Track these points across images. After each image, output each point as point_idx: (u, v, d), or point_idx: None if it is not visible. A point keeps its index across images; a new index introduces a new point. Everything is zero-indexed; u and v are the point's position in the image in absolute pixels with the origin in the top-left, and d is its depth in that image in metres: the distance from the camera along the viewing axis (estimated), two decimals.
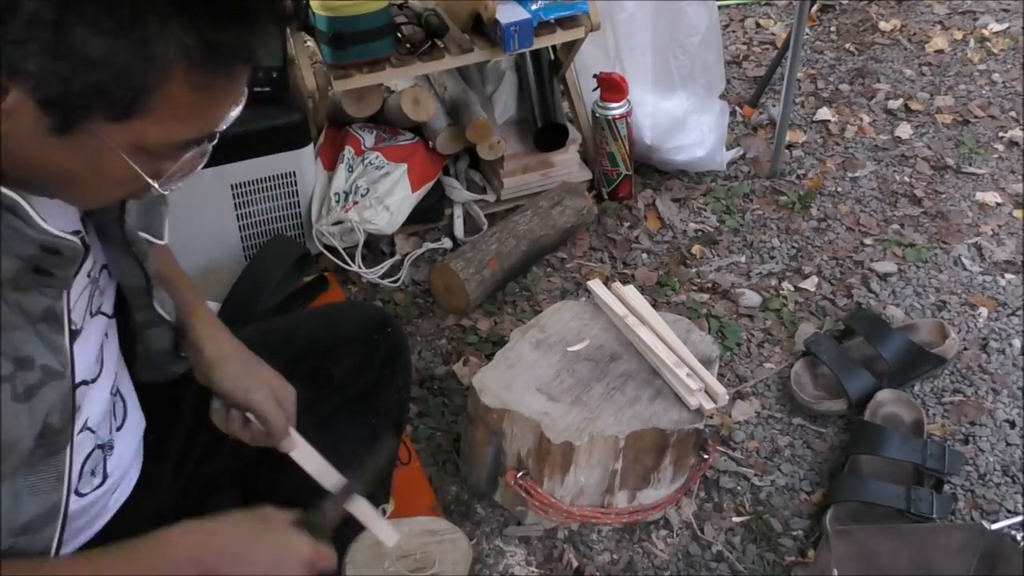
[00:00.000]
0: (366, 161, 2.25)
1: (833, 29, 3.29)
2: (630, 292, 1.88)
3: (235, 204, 2.14)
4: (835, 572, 1.47)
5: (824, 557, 1.55)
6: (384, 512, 1.55)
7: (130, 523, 1.14)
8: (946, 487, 1.82)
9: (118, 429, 1.16)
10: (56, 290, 0.96)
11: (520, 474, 1.70)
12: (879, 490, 1.75)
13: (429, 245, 2.36)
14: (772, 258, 2.38)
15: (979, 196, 2.56)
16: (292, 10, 0.89)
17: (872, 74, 3.05)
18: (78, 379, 1.02)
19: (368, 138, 2.31)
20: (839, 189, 2.59)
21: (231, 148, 1.90)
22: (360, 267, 2.24)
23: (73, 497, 1.05)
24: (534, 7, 2.15)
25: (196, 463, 1.31)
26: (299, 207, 2.22)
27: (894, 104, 2.91)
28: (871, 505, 1.73)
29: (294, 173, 2.16)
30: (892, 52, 3.16)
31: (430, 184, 2.33)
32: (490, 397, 1.69)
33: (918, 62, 3.11)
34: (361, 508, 1.17)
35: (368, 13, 2.02)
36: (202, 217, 2.09)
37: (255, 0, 0.84)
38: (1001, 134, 2.79)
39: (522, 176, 2.42)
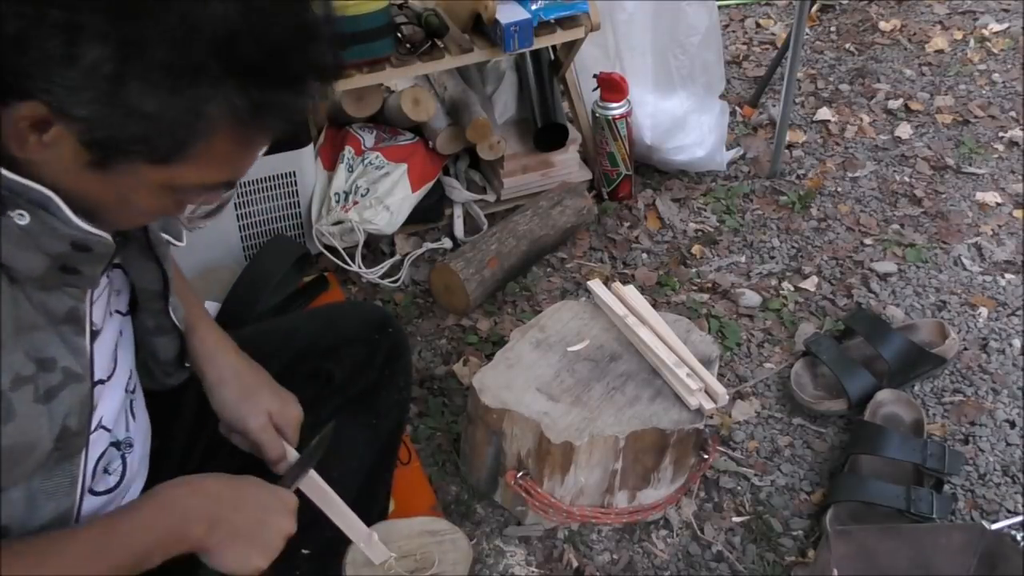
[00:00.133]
0: (366, 161, 2.25)
1: (833, 29, 3.30)
2: (630, 292, 1.88)
3: (235, 204, 2.14)
4: (835, 572, 1.46)
5: (824, 557, 1.55)
6: (385, 512, 1.55)
7: None
8: (946, 487, 1.82)
9: (136, 428, 1.16)
10: (80, 290, 0.96)
11: (520, 474, 1.70)
12: (879, 490, 1.75)
13: (429, 245, 2.36)
14: (772, 258, 2.38)
15: (979, 196, 2.56)
16: (341, 65, 0.91)
17: (872, 74, 3.05)
18: (95, 378, 1.02)
19: (368, 138, 2.31)
20: (839, 189, 2.59)
21: None
22: (360, 267, 2.24)
23: (87, 496, 1.05)
24: (534, 7, 2.15)
25: (197, 465, 1.31)
26: (299, 207, 2.22)
27: (894, 104, 2.91)
28: (871, 505, 1.73)
29: (294, 173, 2.16)
30: (892, 52, 3.17)
31: (430, 184, 2.33)
32: (490, 397, 1.69)
33: (918, 62, 3.12)
34: (352, 526, 1.21)
35: (368, 13, 2.02)
36: None
37: (305, 65, 0.86)
38: (1001, 134, 2.79)
39: (522, 176, 2.42)
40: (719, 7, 3.06)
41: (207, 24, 0.79)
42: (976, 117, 2.85)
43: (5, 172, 0.84)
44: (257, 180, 2.12)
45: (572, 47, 2.31)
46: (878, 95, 2.95)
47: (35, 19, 0.77)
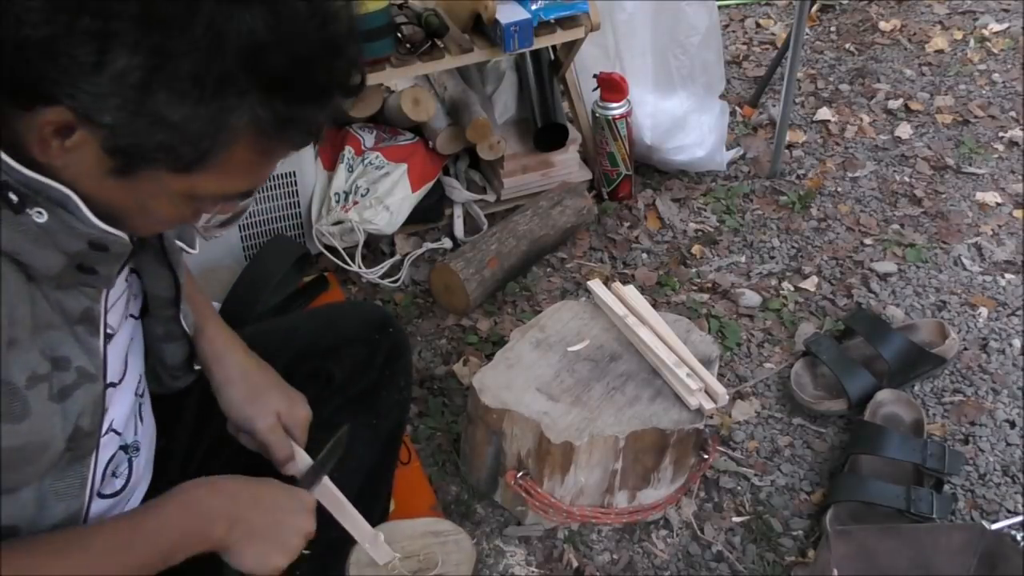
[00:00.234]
0: (366, 161, 2.25)
1: (833, 29, 3.30)
2: (630, 292, 1.88)
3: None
4: (835, 572, 1.47)
5: (824, 557, 1.55)
6: (386, 512, 1.55)
7: None
8: (946, 487, 1.82)
9: (143, 432, 1.16)
10: (96, 290, 0.97)
11: (520, 474, 1.70)
12: (879, 490, 1.75)
13: (429, 245, 2.36)
14: (772, 258, 2.38)
15: (979, 196, 2.56)
16: (364, 80, 0.92)
17: (872, 74, 3.05)
18: (108, 381, 1.03)
19: (368, 138, 2.31)
20: (839, 189, 2.59)
21: None
22: (360, 267, 2.24)
23: (95, 499, 1.05)
24: (534, 7, 2.15)
25: (199, 467, 1.31)
26: (299, 207, 2.22)
27: (894, 104, 2.91)
28: (871, 505, 1.73)
29: (294, 173, 2.16)
30: (892, 52, 3.17)
31: (430, 184, 2.33)
32: (490, 397, 1.69)
33: (918, 62, 3.12)
34: (358, 527, 1.21)
35: (368, 13, 2.02)
36: None
37: (331, 80, 0.87)
38: (1001, 134, 2.79)
39: (522, 176, 2.42)
40: (719, 7, 3.06)
41: (235, 36, 0.79)
42: (976, 117, 2.85)
43: (24, 170, 0.85)
44: None
45: (572, 47, 2.31)
46: (878, 95, 2.95)
47: (66, 26, 0.77)
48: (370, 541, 1.22)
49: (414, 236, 2.40)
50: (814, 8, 3.32)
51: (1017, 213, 2.51)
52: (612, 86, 2.37)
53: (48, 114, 0.81)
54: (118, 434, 1.09)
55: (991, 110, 2.88)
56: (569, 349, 1.80)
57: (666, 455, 1.70)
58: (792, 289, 2.29)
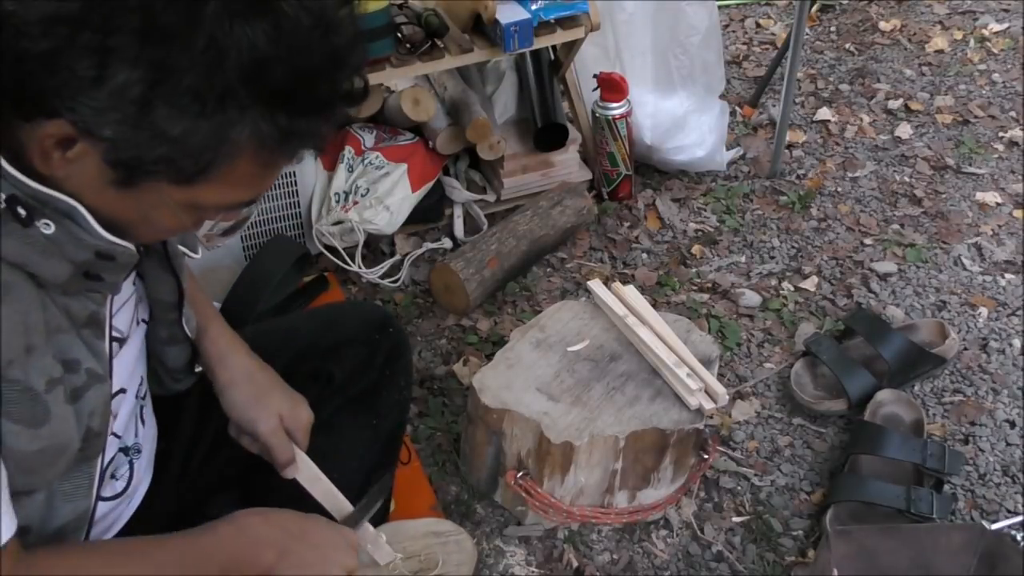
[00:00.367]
0: (366, 161, 2.25)
1: (833, 29, 3.30)
2: (630, 292, 1.88)
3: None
4: (835, 572, 1.47)
5: (824, 557, 1.55)
6: (387, 512, 1.55)
7: (138, 530, 1.14)
8: (946, 487, 1.82)
9: (144, 434, 1.16)
10: (102, 295, 0.97)
11: (520, 474, 1.70)
12: (879, 490, 1.75)
13: (429, 245, 2.36)
14: (772, 258, 2.38)
15: (979, 196, 2.56)
16: (367, 89, 0.92)
17: (872, 74, 3.05)
18: (116, 387, 1.04)
19: (368, 138, 2.31)
20: (839, 189, 2.59)
21: None
22: (360, 267, 2.24)
23: (98, 502, 1.06)
24: (534, 7, 2.15)
25: (199, 467, 1.31)
26: (299, 207, 2.22)
27: (894, 104, 2.91)
28: (871, 505, 1.73)
29: (294, 173, 2.16)
30: (892, 52, 3.17)
31: (430, 184, 2.33)
32: (490, 397, 1.69)
33: (918, 62, 3.12)
34: (361, 530, 1.22)
35: (368, 13, 2.02)
36: None
37: (334, 92, 0.87)
38: (1001, 134, 2.79)
39: (522, 176, 2.42)
40: (719, 7, 3.06)
41: (237, 50, 0.79)
42: (976, 117, 2.85)
43: (31, 183, 0.85)
44: None
45: (572, 47, 2.31)
46: (878, 95, 2.95)
47: (67, 39, 0.77)
48: (372, 541, 1.22)
49: (414, 236, 2.40)
50: (814, 8, 3.32)
51: (1017, 213, 2.51)
52: (612, 86, 2.37)
53: (49, 127, 0.81)
54: (117, 437, 1.09)
55: (991, 110, 2.88)
56: (569, 349, 1.80)
57: (666, 455, 1.70)
58: (792, 289, 2.29)
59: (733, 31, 3.28)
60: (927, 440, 1.85)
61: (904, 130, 2.80)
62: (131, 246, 0.94)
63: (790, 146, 2.72)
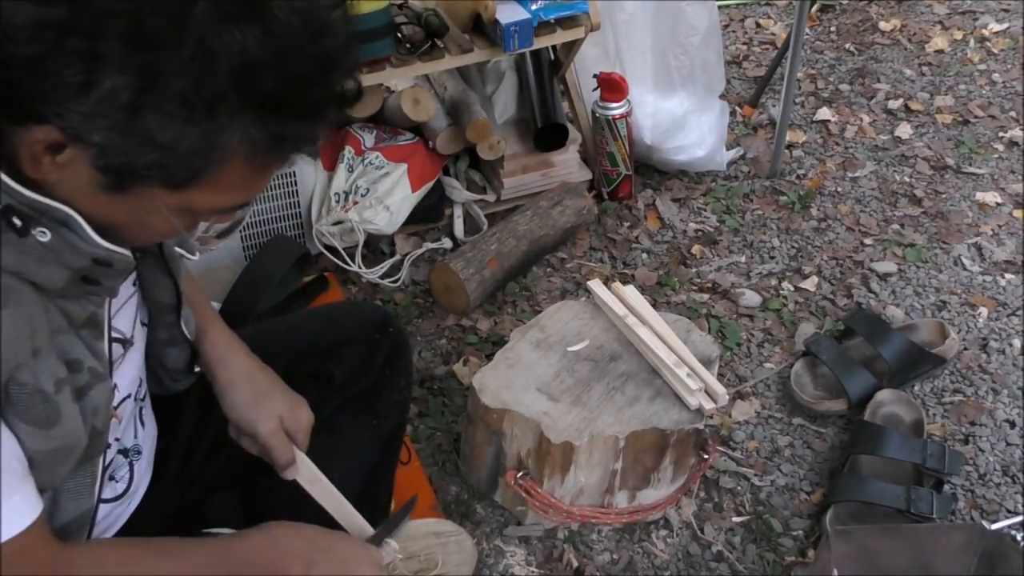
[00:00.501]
0: (366, 161, 2.25)
1: (833, 29, 3.30)
2: (630, 292, 1.88)
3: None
4: (835, 572, 1.47)
5: (824, 557, 1.55)
6: (387, 512, 1.55)
7: (136, 530, 1.14)
8: (946, 487, 1.82)
9: (144, 435, 1.16)
10: (101, 298, 0.98)
11: (520, 474, 1.70)
12: (879, 490, 1.75)
13: (429, 245, 2.36)
14: (772, 258, 2.38)
15: (979, 196, 2.56)
16: (360, 90, 0.91)
17: (872, 74, 3.05)
18: (123, 392, 1.05)
19: (368, 138, 2.31)
20: (839, 189, 2.59)
21: None
22: (360, 267, 2.24)
23: (100, 504, 1.06)
24: (534, 7, 2.15)
25: (198, 467, 1.31)
26: (299, 207, 2.22)
27: (894, 104, 2.91)
28: (871, 505, 1.73)
29: (294, 173, 2.16)
30: (892, 52, 3.17)
31: (430, 184, 2.33)
32: (490, 397, 1.69)
33: (918, 62, 3.12)
34: (359, 528, 1.23)
35: (368, 13, 2.02)
36: None
37: (325, 95, 0.86)
38: (1001, 134, 2.79)
39: (522, 176, 2.42)
40: (719, 7, 3.06)
41: (226, 55, 0.78)
42: (976, 117, 2.85)
43: (27, 192, 0.84)
44: None
45: (572, 47, 2.31)
46: (878, 95, 2.95)
47: (54, 45, 0.76)
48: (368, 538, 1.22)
49: (414, 236, 2.40)
50: (814, 8, 3.32)
51: (1017, 213, 2.51)
52: (612, 86, 2.37)
53: (38, 132, 0.80)
54: (117, 439, 1.09)
55: (991, 110, 2.88)
56: (569, 349, 1.80)
57: (666, 455, 1.70)
58: (792, 289, 2.29)
59: (733, 31, 3.28)
60: (927, 440, 1.85)
61: (904, 130, 2.80)
62: (128, 253, 0.94)
63: (790, 146, 2.72)
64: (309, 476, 1.23)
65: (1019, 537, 1.72)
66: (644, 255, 2.38)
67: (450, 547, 1.28)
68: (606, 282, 1.97)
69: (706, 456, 1.80)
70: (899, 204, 2.55)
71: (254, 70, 0.80)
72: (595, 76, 2.40)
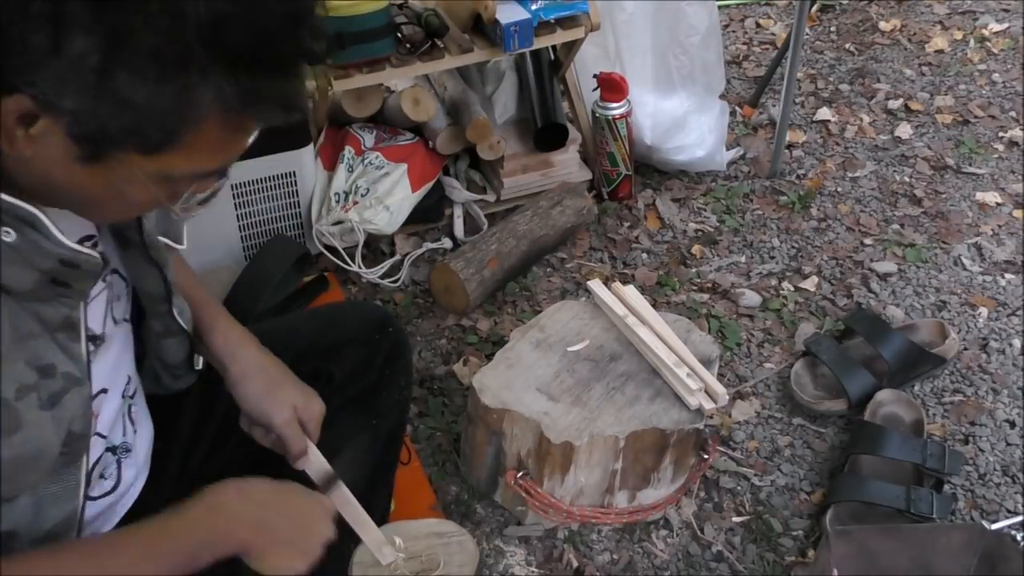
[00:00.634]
0: (366, 161, 2.25)
1: (833, 29, 3.30)
2: (630, 292, 1.88)
3: (235, 204, 2.14)
4: (835, 572, 1.47)
5: (824, 557, 1.55)
6: (387, 512, 1.55)
7: None
8: (946, 487, 1.82)
9: (134, 433, 1.16)
10: (74, 300, 0.96)
11: (520, 474, 1.70)
12: (879, 490, 1.75)
13: (429, 245, 2.36)
14: (772, 258, 2.38)
15: (979, 196, 2.56)
16: (330, 48, 0.90)
17: (872, 74, 3.05)
18: (97, 388, 1.03)
19: (368, 138, 2.31)
20: (839, 189, 2.59)
21: None
22: (360, 267, 2.24)
23: (87, 502, 1.05)
24: (534, 7, 2.15)
25: (198, 467, 1.31)
26: (299, 207, 2.22)
27: (894, 104, 2.91)
28: (871, 505, 1.73)
29: (294, 173, 2.16)
30: (892, 52, 3.17)
31: (430, 184, 2.33)
32: (490, 397, 1.69)
33: (918, 62, 3.12)
34: (370, 533, 1.22)
35: (368, 13, 2.02)
36: (202, 217, 2.06)
37: (295, 50, 0.85)
38: (1001, 134, 2.79)
39: (522, 176, 2.42)
40: (719, 7, 3.06)
41: (193, 10, 0.77)
42: (976, 117, 2.85)
43: None
44: (257, 180, 2.13)
45: (572, 47, 2.31)
46: (878, 95, 2.95)
47: (18, 11, 0.75)
48: (375, 544, 1.22)
49: (414, 236, 2.40)
50: (814, 8, 3.32)
51: (1017, 213, 2.51)
52: (612, 86, 2.37)
53: (9, 103, 0.79)
54: (103, 437, 1.08)
55: (991, 110, 2.88)
56: (569, 349, 1.80)
57: (666, 455, 1.70)
58: (792, 289, 2.29)
59: (733, 31, 3.28)
60: (927, 440, 1.86)
61: (904, 130, 2.80)
62: (95, 254, 0.93)
63: (790, 146, 2.72)
64: (318, 467, 1.23)
65: (1019, 537, 1.72)
66: (644, 255, 2.38)
67: (452, 547, 1.28)
68: (606, 282, 1.97)
69: (706, 456, 1.80)
70: (899, 204, 2.55)
71: (222, 24, 0.79)
72: (595, 76, 2.40)
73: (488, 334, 2.16)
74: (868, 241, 2.42)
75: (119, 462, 1.13)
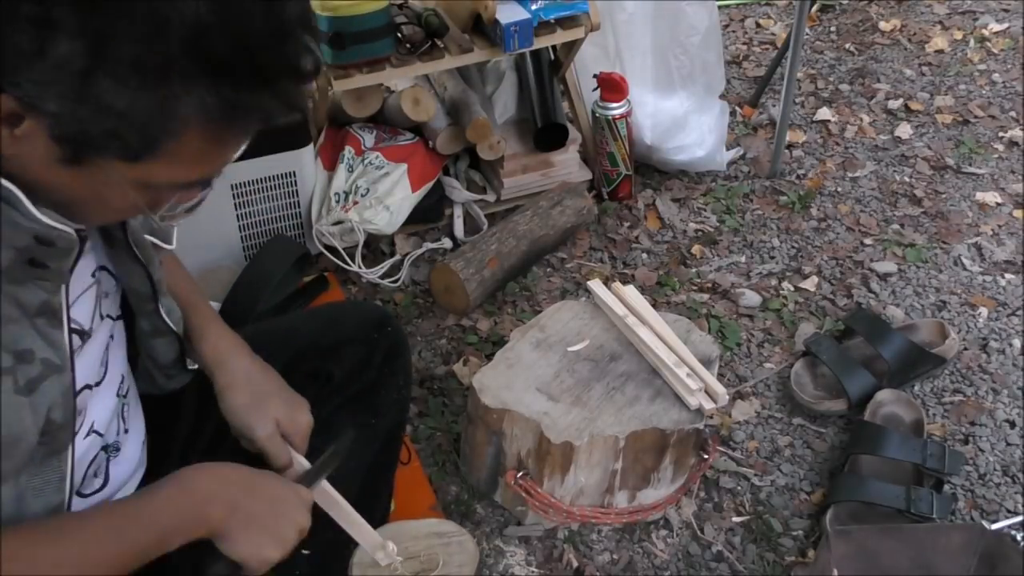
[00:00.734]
0: (366, 161, 2.25)
1: (833, 29, 3.30)
2: (630, 292, 1.88)
3: (235, 204, 2.14)
4: (835, 572, 1.47)
5: (824, 557, 1.55)
6: (387, 512, 1.55)
7: None
8: (946, 487, 1.82)
9: (125, 432, 1.16)
10: (53, 283, 0.96)
11: (520, 474, 1.70)
12: (879, 490, 1.75)
13: (429, 245, 2.36)
14: (772, 258, 2.38)
15: (979, 196, 2.56)
16: (317, 67, 0.90)
17: (872, 74, 3.05)
18: (81, 383, 1.02)
19: (368, 138, 2.31)
20: (839, 189, 2.59)
21: None
22: (360, 267, 2.24)
23: (76, 499, 1.05)
24: (534, 7, 2.15)
25: (197, 463, 1.31)
26: (299, 207, 2.22)
27: (894, 104, 2.91)
28: (871, 505, 1.73)
29: (294, 173, 2.16)
30: (892, 52, 3.17)
31: (430, 184, 2.33)
32: (490, 397, 1.69)
33: (918, 62, 3.12)
34: (363, 533, 1.22)
35: (368, 13, 2.02)
36: (202, 217, 2.06)
37: (279, 65, 0.85)
38: (1001, 134, 2.79)
39: (522, 176, 2.42)
40: (719, 7, 3.06)
41: (178, 20, 0.78)
42: (976, 117, 2.85)
43: None
44: (257, 180, 2.13)
45: (572, 47, 2.31)
46: (878, 95, 2.95)
47: (6, 12, 0.76)
48: (370, 543, 1.22)
49: (414, 236, 2.40)
50: (814, 8, 3.32)
51: (1017, 213, 2.51)
52: (612, 86, 2.37)
53: None
54: (100, 435, 1.08)
55: (991, 110, 2.88)
56: (569, 349, 1.80)
57: (666, 455, 1.70)
58: (792, 289, 2.29)
59: (733, 31, 3.28)
60: (927, 440, 1.86)
61: (904, 130, 2.80)
62: (70, 230, 0.93)
63: (790, 146, 2.72)
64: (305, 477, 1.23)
65: (1019, 537, 1.72)
66: (644, 255, 2.38)
67: (452, 548, 1.28)
68: (606, 282, 1.97)
69: (706, 456, 1.80)
70: (899, 204, 2.55)
71: (205, 34, 0.79)
72: (595, 76, 2.40)
73: (488, 334, 2.16)
74: (868, 241, 2.42)
75: (107, 460, 1.12)
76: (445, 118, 2.33)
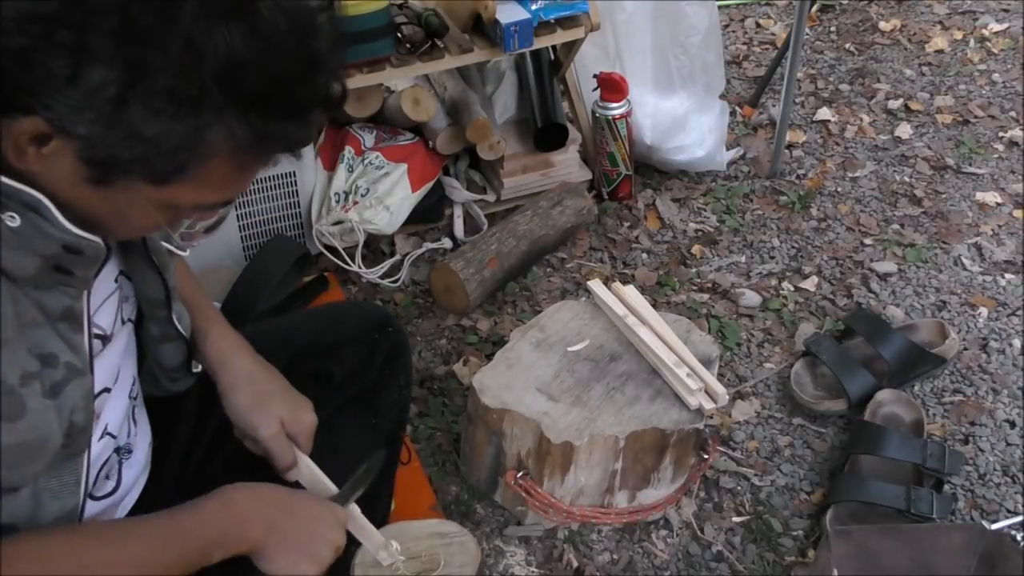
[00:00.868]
0: (366, 161, 2.25)
1: (833, 29, 3.30)
2: (630, 292, 1.88)
3: (235, 204, 2.14)
4: (835, 572, 1.47)
5: (824, 557, 1.55)
6: (387, 512, 1.55)
7: None
8: (946, 487, 1.82)
9: (135, 434, 1.16)
10: (76, 290, 0.97)
11: (520, 474, 1.70)
12: (879, 490, 1.75)
13: (429, 245, 2.36)
14: (772, 258, 2.38)
15: (979, 196, 2.56)
16: (345, 94, 0.92)
17: (872, 74, 3.06)
18: (100, 386, 1.03)
19: (368, 138, 2.31)
20: (839, 189, 2.59)
21: None
22: (360, 267, 2.24)
23: (88, 501, 1.05)
24: (534, 7, 2.15)
25: (198, 467, 1.31)
26: (299, 207, 2.22)
27: (894, 104, 2.91)
28: (871, 505, 1.73)
29: (294, 173, 2.16)
30: (892, 52, 3.17)
31: (430, 184, 2.33)
32: (490, 397, 1.69)
33: (918, 62, 3.12)
34: (366, 532, 1.22)
35: (368, 13, 2.02)
36: None
37: (309, 96, 0.87)
38: (1001, 134, 2.79)
39: (522, 176, 2.42)
40: (719, 7, 3.06)
41: (212, 52, 0.79)
42: (976, 117, 2.85)
43: None
44: (257, 180, 2.13)
45: (572, 47, 2.31)
46: (878, 95, 2.95)
47: (42, 37, 0.77)
48: (372, 543, 1.22)
49: (414, 236, 2.40)
50: (814, 8, 3.32)
51: (1017, 213, 2.51)
52: (612, 86, 2.37)
53: (24, 123, 0.81)
54: (113, 437, 1.09)
55: (991, 110, 2.88)
56: (569, 349, 1.80)
57: (666, 455, 1.70)
58: (792, 289, 2.29)
59: (733, 31, 3.28)
60: (927, 440, 1.86)
61: (904, 130, 2.80)
62: (98, 240, 0.94)
63: (790, 146, 2.72)
64: (311, 478, 1.23)
65: (1019, 537, 1.72)
66: (644, 255, 2.38)
67: (454, 548, 1.28)
68: (606, 282, 1.97)
69: (706, 456, 1.80)
70: (899, 204, 2.55)
71: (239, 68, 0.80)
72: (595, 76, 2.40)
73: (488, 334, 2.16)
74: (868, 241, 2.42)
75: (120, 463, 1.13)
76: (445, 118, 2.33)
